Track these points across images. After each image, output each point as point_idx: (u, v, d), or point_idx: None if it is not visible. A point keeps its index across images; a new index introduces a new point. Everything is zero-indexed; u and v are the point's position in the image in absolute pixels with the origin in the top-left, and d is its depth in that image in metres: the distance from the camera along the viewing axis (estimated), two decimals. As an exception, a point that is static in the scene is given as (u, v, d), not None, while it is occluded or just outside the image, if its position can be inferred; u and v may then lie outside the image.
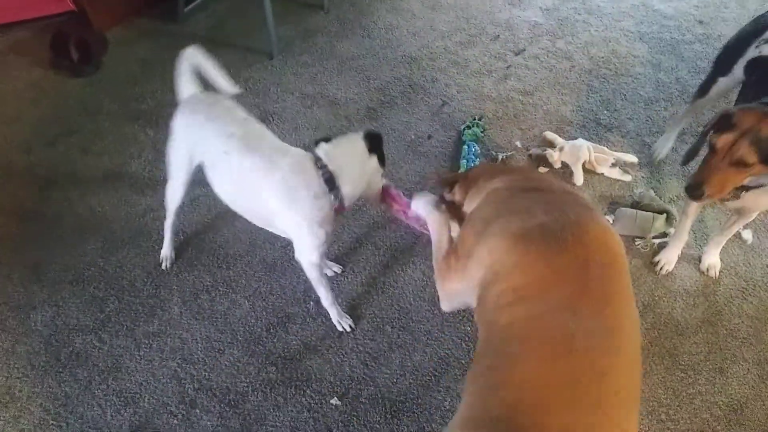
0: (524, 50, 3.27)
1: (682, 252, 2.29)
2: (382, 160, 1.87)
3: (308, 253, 1.86)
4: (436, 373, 2.02)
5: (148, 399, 2.00)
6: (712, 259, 2.28)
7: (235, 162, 1.79)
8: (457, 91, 3.02)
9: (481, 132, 2.71)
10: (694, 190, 1.74)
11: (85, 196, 2.62)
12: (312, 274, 1.95)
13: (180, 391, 2.02)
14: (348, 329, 2.12)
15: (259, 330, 2.15)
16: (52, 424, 1.96)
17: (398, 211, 1.92)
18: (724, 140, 1.67)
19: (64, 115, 3.04)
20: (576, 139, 2.62)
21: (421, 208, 1.73)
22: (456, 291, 1.48)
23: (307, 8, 3.63)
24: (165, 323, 2.19)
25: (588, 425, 1.04)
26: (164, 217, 2.25)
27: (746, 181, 1.74)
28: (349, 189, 1.78)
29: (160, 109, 2.97)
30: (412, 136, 2.79)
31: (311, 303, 2.20)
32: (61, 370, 2.07)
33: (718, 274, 2.28)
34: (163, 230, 2.32)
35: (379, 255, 2.36)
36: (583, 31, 3.40)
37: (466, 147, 2.60)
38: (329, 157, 1.75)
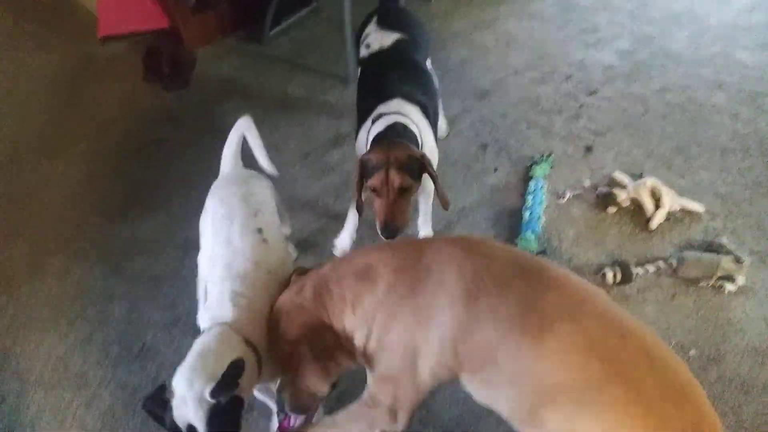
0: (597, 91, 3.27)
1: (755, 308, 2.22)
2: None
3: None
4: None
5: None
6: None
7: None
8: (526, 126, 3.05)
9: (550, 168, 2.73)
10: (389, 231, 1.93)
11: (166, 202, 2.79)
12: None
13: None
14: None
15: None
16: (120, 411, 2.08)
17: None
18: (377, 180, 1.89)
19: (152, 126, 3.26)
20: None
21: None
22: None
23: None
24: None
25: None
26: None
27: None
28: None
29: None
30: (480, 168, 2.83)
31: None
32: (132, 361, 2.20)
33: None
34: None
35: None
36: (659, 76, 3.38)
37: (533, 182, 2.62)
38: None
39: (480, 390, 1.46)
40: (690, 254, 2.34)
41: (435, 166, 2.14)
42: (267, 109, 3.24)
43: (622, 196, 2.57)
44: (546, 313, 1.30)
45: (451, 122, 3.08)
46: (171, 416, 1.34)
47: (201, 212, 2.14)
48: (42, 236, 2.73)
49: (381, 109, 2.10)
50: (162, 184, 2.90)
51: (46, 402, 2.15)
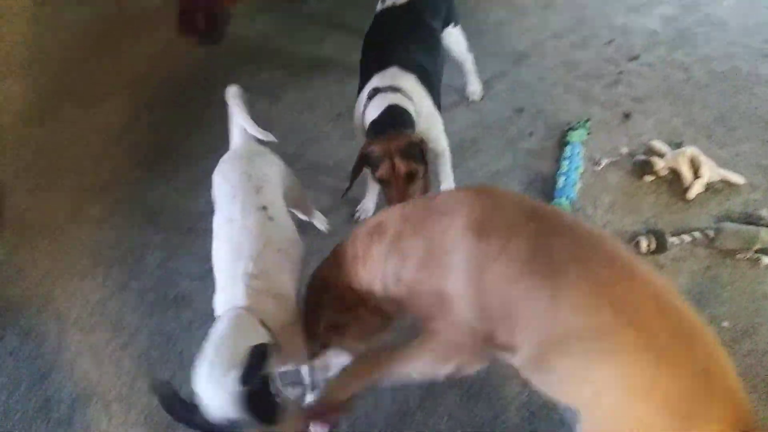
0: (638, 57, 3.18)
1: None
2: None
3: None
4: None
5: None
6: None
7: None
8: (564, 91, 2.99)
9: (587, 134, 2.68)
10: None
11: (200, 156, 2.82)
12: None
13: (270, 344, 2.16)
14: None
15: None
16: (155, 355, 2.15)
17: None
18: (384, 170, 1.93)
19: (185, 80, 3.27)
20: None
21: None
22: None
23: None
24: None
25: None
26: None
27: None
28: None
29: (271, 83, 3.13)
30: (515, 132, 2.79)
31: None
32: (167, 309, 2.27)
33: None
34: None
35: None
36: (703, 43, 3.26)
37: (569, 147, 2.58)
38: None
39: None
40: (728, 225, 2.30)
41: (440, 129, 2.27)
42: (300, 68, 3.22)
43: (660, 165, 2.52)
44: (558, 256, 1.29)
45: (487, 85, 3.03)
46: (202, 417, 1.28)
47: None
48: (81, 186, 2.79)
49: (376, 81, 2.11)
50: (196, 138, 2.93)
51: (84, 344, 2.23)
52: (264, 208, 1.72)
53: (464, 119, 2.87)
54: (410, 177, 1.96)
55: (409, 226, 1.48)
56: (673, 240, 2.30)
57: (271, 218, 1.72)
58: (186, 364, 2.10)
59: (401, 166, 1.93)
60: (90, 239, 2.56)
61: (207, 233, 1.74)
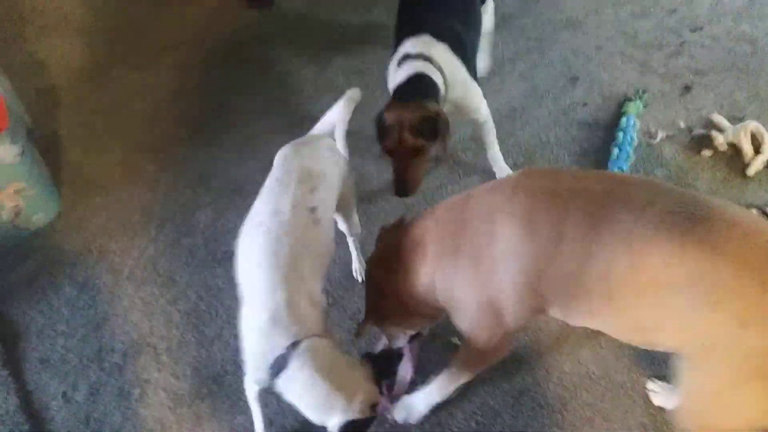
0: (702, 28, 3.03)
1: None
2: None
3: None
4: (559, 337, 2.02)
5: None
6: None
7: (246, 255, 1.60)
8: (621, 61, 2.89)
9: (643, 107, 2.59)
10: (400, 192, 2.00)
11: (249, 122, 2.85)
12: None
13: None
14: None
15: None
16: (203, 310, 2.21)
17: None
18: (390, 142, 1.91)
19: (237, 43, 3.29)
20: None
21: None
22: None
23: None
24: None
25: None
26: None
27: None
28: None
29: (321, 48, 3.12)
30: (568, 101, 2.72)
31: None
32: (216, 266, 2.32)
33: None
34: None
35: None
36: (772, 15, 3.09)
37: (625, 119, 2.50)
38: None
39: (577, 319, 1.46)
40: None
41: (478, 98, 2.20)
42: (353, 32, 3.20)
43: (720, 140, 2.42)
44: (616, 226, 1.26)
45: (540, 52, 2.95)
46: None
47: (280, 132, 2.14)
48: (134, 145, 2.86)
49: (407, 47, 2.06)
50: (246, 101, 2.96)
51: (136, 297, 2.31)
52: (313, 210, 1.62)
53: (515, 88, 2.81)
54: (416, 151, 1.93)
55: (449, 242, 1.48)
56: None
57: (317, 221, 1.61)
58: (233, 319, 2.15)
59: (408, 141, 1.90)
60: (142, 197, 2.63)
61: (254, 195, 1.75)
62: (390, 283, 1.59)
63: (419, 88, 1.96)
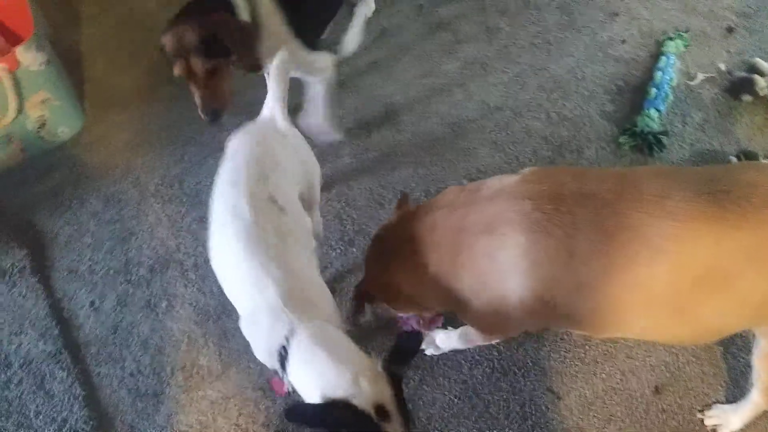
0: (749, -32, 2.90)
1: None
2: None
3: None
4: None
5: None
6: None
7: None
8: (663, -1, 2.78)
9: (684, 46, 2.51)
10: (209, 115, 1.86)
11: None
12: None
13: (341, 229, 2.20)
14: None
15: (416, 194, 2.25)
16: (230, 230, 2.22)
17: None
18: (179, 70, 1.76)
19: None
20: (792, 72, 2.35)
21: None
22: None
23: None
24: (336, 170, 2.35)
25: None
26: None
27: None
28: None
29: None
30: (605, 38, 2.63)
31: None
32: (242, 186, 2.31)
33: None
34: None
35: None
36: (826, -44, 2.95)
37: (665, 58, 2.43)
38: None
39: (603, 330, 1.47)
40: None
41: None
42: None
43: (761, 84, 2.35)
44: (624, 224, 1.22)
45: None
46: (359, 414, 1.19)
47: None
48: (156, 64, 2.78)
49: None
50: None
51: (162, 213, 2.32)
52: (272, 199, 1.51)
53: (552, 18, 2.71)
54: (213, 72, 1.77)
55: (447, 257, 1.39)
56: (766, 163, 2.18)
57: (282, 209, 1.52)
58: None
59: (198, 66, 1.73)
60: (167, 116, 2.59)
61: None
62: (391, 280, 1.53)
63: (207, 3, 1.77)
